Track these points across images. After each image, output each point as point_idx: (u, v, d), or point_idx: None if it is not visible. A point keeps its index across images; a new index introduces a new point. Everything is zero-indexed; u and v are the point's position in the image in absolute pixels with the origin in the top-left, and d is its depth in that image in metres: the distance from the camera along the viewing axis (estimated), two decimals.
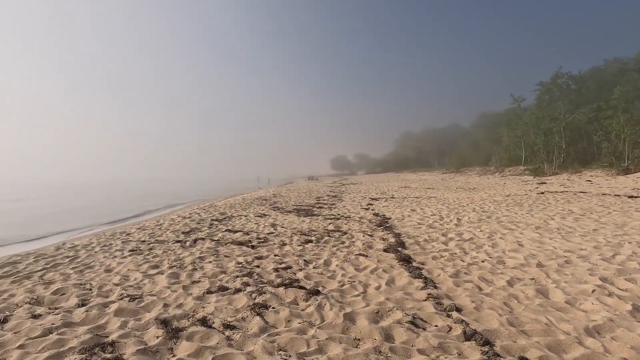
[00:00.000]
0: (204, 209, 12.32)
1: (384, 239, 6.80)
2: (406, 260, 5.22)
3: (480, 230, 7.38)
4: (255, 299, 3.58)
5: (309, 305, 3.45)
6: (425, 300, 3.64)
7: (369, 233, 7.41)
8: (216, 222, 9.09)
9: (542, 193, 14.93)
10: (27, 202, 25.06)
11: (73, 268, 4.85)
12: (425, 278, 4.34)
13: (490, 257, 5.30)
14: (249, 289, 3.88)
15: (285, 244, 6.38)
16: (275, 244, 6.43)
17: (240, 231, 7.74)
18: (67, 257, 5.50)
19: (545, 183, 20.59)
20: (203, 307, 3.41)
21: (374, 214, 10.46)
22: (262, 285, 4.00)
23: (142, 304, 3.48)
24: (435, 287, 4.02)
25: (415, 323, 3.08)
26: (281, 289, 3.87)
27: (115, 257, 5.48)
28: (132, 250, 5.87)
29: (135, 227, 8.54)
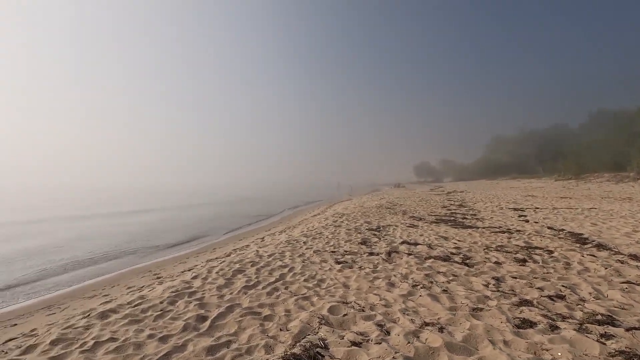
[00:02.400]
0: (340, 215, 12.03)
1: (621, 262, 5.44)
2: None
3: None
4: (608, 344, 2.72)
5: None
6: None
7: (587, 253, 6.08)
8: (375, 232, 8.56)
9: None
10: (204, 209, 28.27)
11: (306, 280, 4.58)
12: None
13: None
14: (566, 325, 3.05)
15: (499, 263, 5.45)
16: (484, 262, 5.54)
17: (418, 243, 7.03)
18: (282, 266, 5.34)
19: None
20: (547, 350, 2.66)
21: (547, 227, 8.93)
22: (577, 323, 3.14)
23: (458, 337, 2.88)
24: None
25: None
26: (620, 329, 2.95)
27: (330, 269, 5.15)
28: (340, 263, 5.51)
29: (300, 235, 8.41)
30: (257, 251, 6.52)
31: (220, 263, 6.03)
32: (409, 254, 6.06)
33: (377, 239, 7.59)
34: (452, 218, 11.50)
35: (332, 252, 6.34)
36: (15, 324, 5.24)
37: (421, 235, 8.13)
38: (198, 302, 3.79)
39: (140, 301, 3.99)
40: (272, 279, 4.63)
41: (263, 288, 4.27)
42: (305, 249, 6.67)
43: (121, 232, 15.18)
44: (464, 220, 10.98)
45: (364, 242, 7.22)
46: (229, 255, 8.72)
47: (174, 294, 4.09)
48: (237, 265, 5.35)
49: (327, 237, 7.99)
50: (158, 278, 7.22)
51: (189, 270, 7.52)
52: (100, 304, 5.42)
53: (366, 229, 9.06)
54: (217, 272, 5.02)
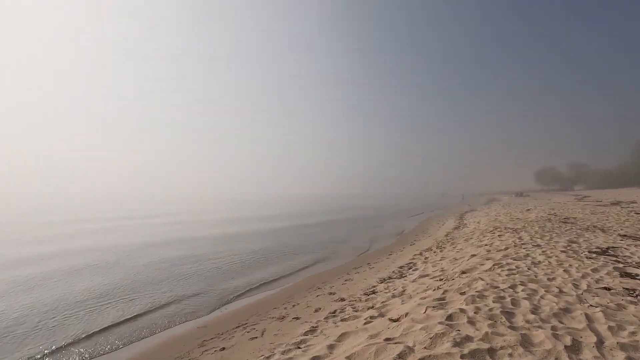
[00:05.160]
0: (510, 231, 9.75)
1: None
2: None
3: None
4: None
5: None
6: None
7: None
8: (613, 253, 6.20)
9: None
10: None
11: None
12: None
13: None
14: None
15: None
16: None
17: None
18: (564, 310, 3.66)
19: None
20: None
21: None
22: None
23: None
24: None
25: None
26: None
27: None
28: None
29: (500, 255, 6.59)
30: (483, 279, 4.96)
31: (439, 292, 4.67)
32: None
33: None
34: None
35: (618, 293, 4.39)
36: (223, 348, 4.68)
37: None
38: None
39: (434, 352, 2.78)
40: (591, 338, 2.99)
41: (601, 354, 2.67)
42: (548, 279, 4.87)
43: (252, 242, 15.39)
44: None
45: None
46: (403, 276, 7.43)
47: (466, 352, 2.77)
48: (493, 304, 3.86)
49: (556, 264, 5.99)
50: (341, 300, 6.26)
51: (372, 292, 6.42)
52: (306, 333, 4.57)
53: (597, 247, 6.74)
54: (475, 312, 3.61)
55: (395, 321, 4.16)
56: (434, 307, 4.10)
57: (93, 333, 5.53)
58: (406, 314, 4.21)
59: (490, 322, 3.34)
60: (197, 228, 20.80)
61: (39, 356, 4.81)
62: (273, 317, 5.79)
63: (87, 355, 4.84)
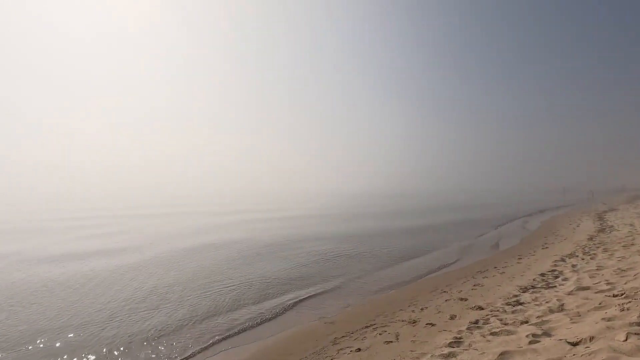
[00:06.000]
0: None
1: None
2: None
3: None
4: None
5: None
6: None
7: None
8: None
9: None
10: None
11: None
12: None
13: None
14: None
15: None
16: None
17: None
18: None
19: None
20: None
21: None
22: None
23: None
24: None
25: None
26: None
27: None
28: None
29: None
30: None
31: (633, 314, 3.63)
32: None
33: None
34: None
35: None
36: (359, 349, 4.49)
37: None
38: None
39: None
40: None
41: None
42: None
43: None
44: None
45: None
46: (551, 286, 6.27)
47: None
48: None
49: None
50: (479, 309, 5.52)
51: (517, 302, 5.51)
52: (451, 344, 4.05)
53: None
54: None
55: (574, 345, 3.37)
56: (636, 334, 3.18)
57: (239, 326, 5.98)
58: (590, 338, 3.38)
59: None
60: (312, 223, 21.34)
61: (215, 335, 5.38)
62: (403, 320, 5.41)
63: (238, 343, 5.22)
